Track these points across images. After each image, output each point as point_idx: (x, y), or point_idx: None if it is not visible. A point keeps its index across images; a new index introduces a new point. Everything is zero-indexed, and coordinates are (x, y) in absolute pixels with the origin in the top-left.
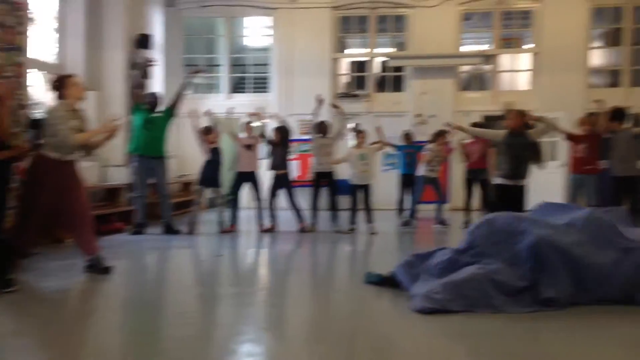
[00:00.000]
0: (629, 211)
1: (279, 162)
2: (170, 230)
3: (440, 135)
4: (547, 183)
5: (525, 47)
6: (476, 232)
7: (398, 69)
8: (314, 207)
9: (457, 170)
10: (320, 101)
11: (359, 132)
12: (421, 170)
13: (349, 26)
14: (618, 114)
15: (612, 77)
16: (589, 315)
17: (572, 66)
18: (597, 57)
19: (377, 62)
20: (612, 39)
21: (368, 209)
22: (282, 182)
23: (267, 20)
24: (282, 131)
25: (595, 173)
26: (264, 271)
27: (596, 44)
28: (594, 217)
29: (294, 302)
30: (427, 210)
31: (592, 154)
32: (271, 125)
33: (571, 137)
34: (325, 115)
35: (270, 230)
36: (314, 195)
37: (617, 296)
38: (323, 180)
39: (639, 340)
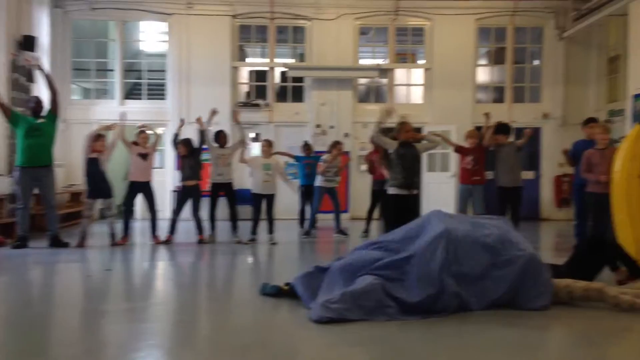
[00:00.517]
0: (511, 219)
1: (189, 174)
2: (57, 243)
3: (335, 145)
4: (439, 193)
5: (419, 62)
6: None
7: (298, 79)
8: (212, 218)
9: (357, 180)
10: (213, 113)
11: (264, 142)
12: (319, 181)
13: (249, 35)
14: (503, 128)
15: (497, 93)
16: (478, 321)
17: (461, 82)
18: (484, 74)
19: (278, 72)
20: (496, 58)
21: (270, 219)
22: (191, 193)
23: (163, 26)
24: (186, 143)
25: (482, 183)
26: (158, 285)
27: (482, 61)
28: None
29: (189, 317)
30: (327, 219)
31: (479, 165)
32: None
33: (460, 150)
34: (225, 125)
35: (167, 242)
36: (212, 205)
37: (504, 301)
38: (221, 191)
39: (523, 344)
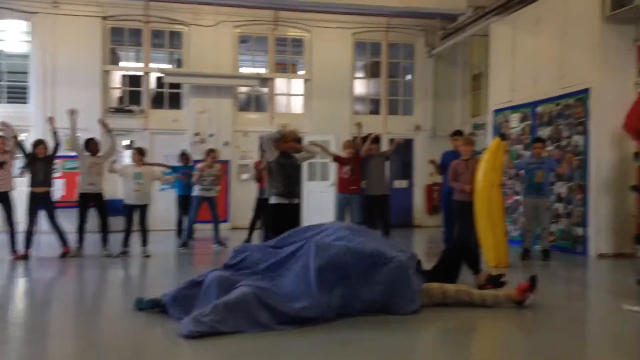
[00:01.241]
0: (382, 227)
1: (41, 179)
2: None
3: (209, 153)
4: (319, 201)
5: (299, 72)
6: (246, 251)
7: (176, 85)
8: (80, 230)
9: (237, 189)
10: (72, 112)
11: (135, 150)
12: (196, 190)
13: (122, 38)
14: (374, 139)
15: (374, 105)
16: (354, 328)
17: (340, 93)
18: (361, 86)
19: (153, 77)
20: (372, 71)
21: (143, 231)
22: (42, 201)
23: (25, 25)
24: (46, 145)
25: (358, 192)
26: (17, 304)
27: (360, 74)
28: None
29: (53, 337)
30: (207, 230)
31: (356, 175)
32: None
33: (337, 159)
34: (95, 132)
35: (25, 257)
36: (81, 217)
37: (379, 307)
38: (91, 201)
39: (399, 347)
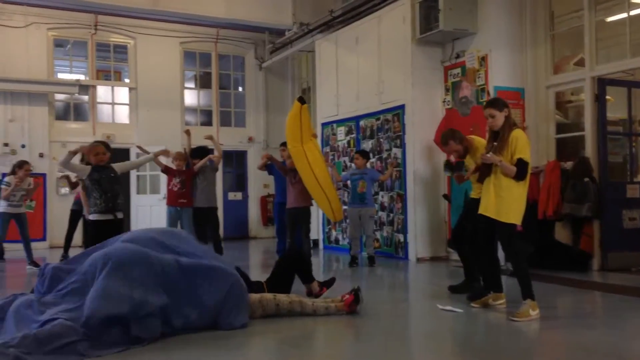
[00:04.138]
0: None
1: None
2: None
3: (21, 166)
4: (150, 215)
5: (125, 80)
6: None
7: None
8: None
9: (55, 205)
10: None
11: None
12: (2, 207)
13: None
14: (201, 151)
15: (205, 116)
16: (182, 346)
17: (169, 103)
18: (192, 97)
19: None
20: (203, 82)
21: None
22: None
23: None
24: None
25: (189, 206)
26: None
27: (190, 84)
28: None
29: None
30: (19, 250)
31: (187, 187)
32: None
33: (167, 171)
34: None
35: None
36: None
37: (207, 322)
38: None
39: None
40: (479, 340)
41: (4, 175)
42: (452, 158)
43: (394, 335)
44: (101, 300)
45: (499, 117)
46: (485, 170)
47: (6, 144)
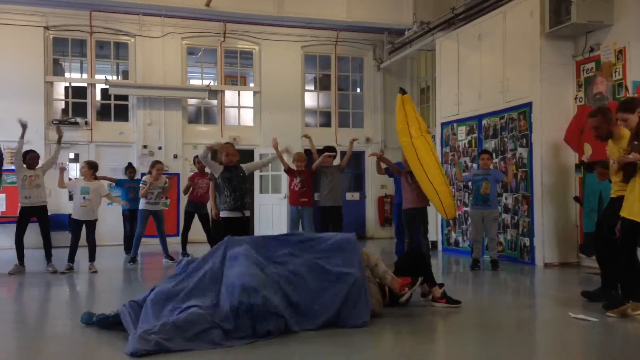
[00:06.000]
0: None
1: None
2: None
3: (154, 165)
4: (272, 214)
5: (250, 85)
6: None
7: (122, 97)
8: (19, 246)
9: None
10: (23, 125)
11: (84, 164)
12: (142, 204)
13: (66, 49)
14: (328, 151)
15: (324, 117)
16: (305, 342)
17: (290, 106)
18: (311, 99)
19: (99, 89)
20: (323, 84)
21: (91, 246)
22: None
23: None
24: None
25: (310, 205)
26: None
27: (310, 87)
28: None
29: None
30: (156, 244)
31: (307, 187)
32: None
33: (289, 171)
34: (37, 144)
35: None
36: (19, 232)
37: (331, 320)
38: (31, 215)
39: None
40: (615, 354)
41: (143, 174)
42: (586, 158)
43: (521, 344)
44: (241, 278)
45: (632, 119)
46: (630, 170)
47: (145, 146)
